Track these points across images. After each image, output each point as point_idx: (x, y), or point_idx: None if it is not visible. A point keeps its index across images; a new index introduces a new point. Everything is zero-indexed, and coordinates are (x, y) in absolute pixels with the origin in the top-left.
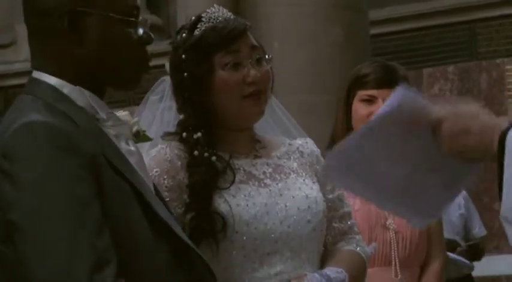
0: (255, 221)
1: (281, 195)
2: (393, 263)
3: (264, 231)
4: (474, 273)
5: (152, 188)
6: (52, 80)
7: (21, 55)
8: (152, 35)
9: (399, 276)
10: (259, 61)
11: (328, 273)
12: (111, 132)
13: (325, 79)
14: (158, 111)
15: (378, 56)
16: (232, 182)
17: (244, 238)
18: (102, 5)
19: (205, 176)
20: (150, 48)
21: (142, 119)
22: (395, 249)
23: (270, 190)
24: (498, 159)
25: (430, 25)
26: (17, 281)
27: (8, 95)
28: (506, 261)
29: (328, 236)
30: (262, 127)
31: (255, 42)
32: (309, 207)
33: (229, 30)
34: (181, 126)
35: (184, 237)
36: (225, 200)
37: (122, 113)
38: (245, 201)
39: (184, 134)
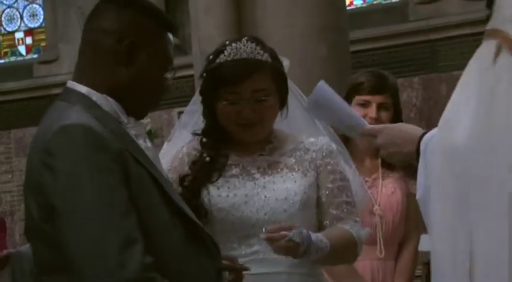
0: (232, 209)
1: (264, 187)
2: (378, 243)
3: (241, 218)
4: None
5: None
6: (83, 89)
7: (63, 69)
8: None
9: (383, 253)
10: (259, 101)
11: (311, 235)
12: (131, 132)
13: (312, 87)
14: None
15: (357, 69)
16: (219, 176)
17: (223, 223)
18: (156, 48)
19: (195, 173)
20: None
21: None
22: (380, 231)
23: (255, 183)
24: (417, 157)
25: (399, 43)
26: (56, 255)
27: (52, 102)
28: None
29: (325, 221)
30: (295, 125)
31: (258, 86)
32: (285, 198)
33: (234, 74)
34: (202, 129)
35: (194, 217)
36: (209, 191)
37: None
38: (227, 192)
39: (199, 137)
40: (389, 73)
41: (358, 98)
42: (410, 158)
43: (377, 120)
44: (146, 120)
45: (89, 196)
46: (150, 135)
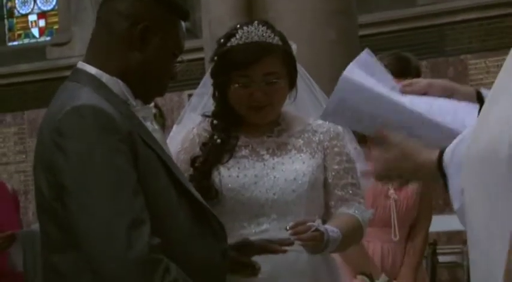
0: (242, 189)
1: (273, 168)
2: (392, 226)
3: (250, 198)
4: (440, 228)
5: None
6: (93, 70)
7: (75, 51)
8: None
9: (397, 236)
10: (270, 84)
11: (327, 227)
12: (139, 114)
13: (321, 71)
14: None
15: None
16: (230, 156)
17: (233, 202)
18: (168, 34)
19: (207, 155)
20: None
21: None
22: (395, 215)
23: (264, 164)
24: (442, 177)
25: (408, 28)
26: (66, 233)
27: None
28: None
29: (331, 201)
30: (303, 107)
31: (269, 69)
32: (294, 178)
33: (246, 58)
34: (212, 112)
35: (200, 198)
36: (219, 172)
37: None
38: (237, 172)
39: (210, 119)
40: (411, 55)
41: None
42: (420, 173)
43: None
44: (151, 104)
45: (99, 176)
46: (155, 118)
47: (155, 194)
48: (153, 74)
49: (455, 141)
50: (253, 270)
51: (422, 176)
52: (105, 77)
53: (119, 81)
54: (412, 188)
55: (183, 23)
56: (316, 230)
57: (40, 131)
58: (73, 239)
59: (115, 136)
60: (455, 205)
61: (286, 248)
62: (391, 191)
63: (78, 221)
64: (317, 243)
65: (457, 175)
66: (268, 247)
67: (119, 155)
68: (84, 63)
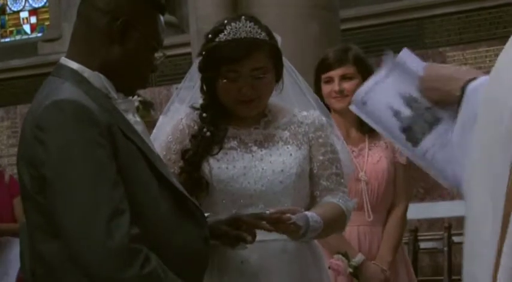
0: (232, 181)
1: (261, 159)
2: (365, 207)
3: (239, 189)
4: (421, 216)
5: (156, 151)
6: (75, 65)
7: (66, 47)
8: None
9: (371, 217)
10: (258, 78)
11: (308, 214)
12: (121, 107)
13: (303, 64)
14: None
15: None
16: (220, 148)
17: (222, 193)
18: (147, 29)
19: (197, 147)
20: (168, 41)
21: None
22: (366, 196)
23: (252, 155)
24: (458, 103)
25: (388, 21)
26: (50, 223)
27: None
28: (446, 207)
29: (316, 191)
30: (287, 98)
31: (257, 64)
32: (282, 170)
33: (235, 54)
34: (201, 104)
35: (182, 189)
36: (209, 164)
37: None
38: (226, 164)
39: (199, 111)
40: (356, 47)
41: (324, 76)
42: (447, 97)
43: (341, 92)
44: (135, 97)
45: (79, 169)
46: (139, 110)
47: (136, 186)
48: (134, 67)
49: (478, 82)
50: (244, 242)
51: (452, 88)
52: (87, 72)
53: (101, 75)
54: (382, 170)
55: (161, 17)
56: (294, 223)
57: (23, 126)
58: (55, 229)
59: (94, 129)
60: (454, 137)
61: (275, 236)
62: (361, 173)
63: (58, 212)
64: (293, 232)
65: (466, 111)
66: (257, 224)
67: (98, 147)
68: (66, 59)
